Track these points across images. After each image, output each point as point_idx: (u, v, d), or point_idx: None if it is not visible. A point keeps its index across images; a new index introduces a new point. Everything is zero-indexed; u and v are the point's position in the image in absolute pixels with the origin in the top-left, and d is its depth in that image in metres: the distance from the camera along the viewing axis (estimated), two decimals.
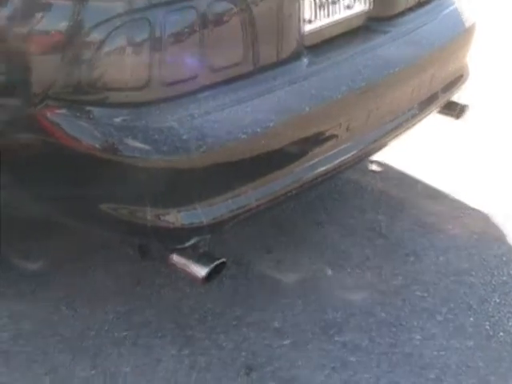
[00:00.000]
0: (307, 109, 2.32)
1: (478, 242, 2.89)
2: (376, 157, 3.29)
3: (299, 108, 2.31)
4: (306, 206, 3.09)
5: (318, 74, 2.43)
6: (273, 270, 2.73)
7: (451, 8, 2.97)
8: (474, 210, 3.07)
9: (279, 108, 2.27)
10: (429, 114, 2.89)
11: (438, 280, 2.68)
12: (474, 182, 3.23)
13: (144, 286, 2.65)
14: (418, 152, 3.44)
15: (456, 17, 2.95)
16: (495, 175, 3.31)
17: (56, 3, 2.09)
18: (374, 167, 3.36)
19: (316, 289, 2.64)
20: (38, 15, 2.14)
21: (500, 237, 2.91)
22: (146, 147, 2.09)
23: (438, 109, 2.99)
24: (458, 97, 3.08)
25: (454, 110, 3.08)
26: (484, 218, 3.01)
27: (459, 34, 2.93)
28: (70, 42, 2.08)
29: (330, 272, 2.72)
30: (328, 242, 2.87)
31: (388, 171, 3.34)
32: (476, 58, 3.18)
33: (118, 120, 2.09)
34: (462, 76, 3.05)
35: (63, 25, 2.09)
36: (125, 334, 2.47)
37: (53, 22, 2.12)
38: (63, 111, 2.13)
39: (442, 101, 2.94)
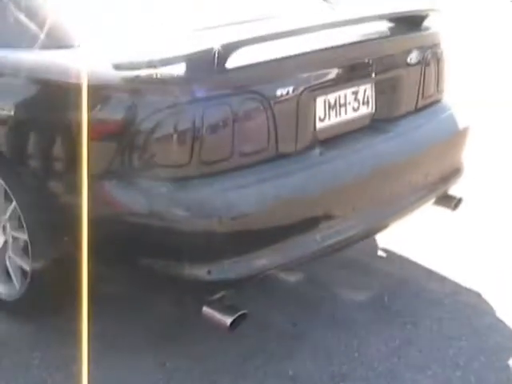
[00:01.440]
0: (318, 190, 2.93)
1: (471, 314, 3.40)
2: (382, 244, 3.89)
3: (311, 188, 2.91)
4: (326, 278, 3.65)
5: (329, 162, 3.04)
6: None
7: (447, 113, 3.60)
8: (468, 288, 3.59)
9: (295, 187, 2.88)
10: (425, 202, 3.48)
11: (430, 343, 3.20)
12: (468, 265, 3.78)
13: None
14: (420, 240, 4.02)
15: (451, 120, 3.57)
16: (487, 259, 3.86)
17: (116, 96, 2.73)
18: (381, 252, 3.94)
19: (327, 349, 3.16)
20: (100, 106, 2.78)
21: (491, 310, 3.42)
22: (185, 213, 2.71)
23: (435, 199, 3.56)
24: (454, 190, 3.65)
25: (450, 202, 3.64)
26: (477, 295, 3.54)
27: (453, 135, 3.55)
28: (127, 129, 2.72)
29: (342, 335, 3.24)
30: (339, 311, 3.42)
31: (392, 256, 3.91)
32: (472, 156, 3.79)
33: (163, 190, 2.71)
34: (457, 171, 3.63)
35: (121, 115, 2.73)
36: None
37: (113, 112, 2.76)
38: (119, 183, 2.75)
39: (437, 192, 3.52)
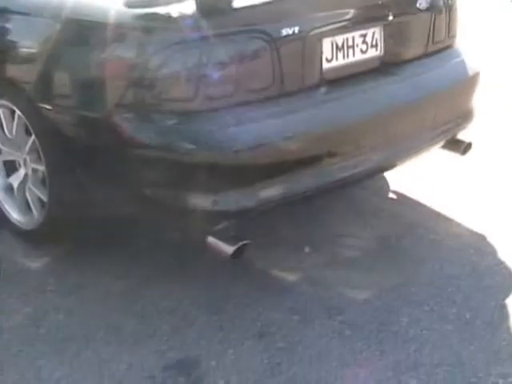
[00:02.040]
0: (322, 126, 3.07)
1: (473, 255, 3.54)
2: (394, 186, 4.04)
3: (315, 125, 3.06)
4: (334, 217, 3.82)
5: (333, 101, 3.18)
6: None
7: (458, 58, 3.70)
8: (472, 230, 3.73)
9: (299, 124, 3.03)
10: (433, 145, 3.61)
11: (430, 281, 3.35)
12: (475, 209, 3.91)
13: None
14: (429, 183, 4.16)
15: (461, 65, 3.67)
16: (493, 203, 3.99)
17: (128, 33, 2.89)
18: (392, 195, 4.08)
19: (326, 284, 3.34)
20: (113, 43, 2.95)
21: (493, 251, 3.55)
22: (191, 145, 2.88)
23: (444, 143, 3.68)
24: (464, 135, 3.77)
25: (459, 146, 3.76)
26: (481, 237, 3.67)
27: (463, 80, 3.65)
28: (138, 65, 2.88)
29: (342, 272, 3.42)
30: (344, 250, 3.60)
31: (402, 198, 4.06)
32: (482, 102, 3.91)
33: (170, 123, 2.88)
34: (467, 116, 3.74)
35: (133, 51, 2.89)
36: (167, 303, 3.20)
37: (125, 49, 2.93)
38: (130, 116, 2.92)
39: (446, 135, 3.64)
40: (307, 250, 3.56)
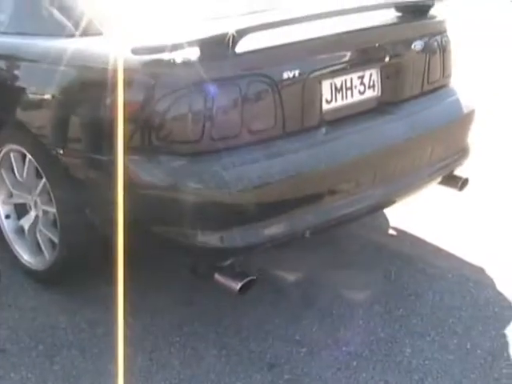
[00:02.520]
0: (322, 166, 3.21)
1: (472, 287, 3.67)
2: (394, 223, 4.19)
3: (316, 164, 3.20)
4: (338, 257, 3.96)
5: (333, 141, 3.32)
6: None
7: (453, 97, 3.86)
8: (471, 264, 3.87)
9: (300, 163, 3.17)
10: (430, 181, 3.75)
11: (431, 313, 3.47)
12: (473, 243, 4.06)
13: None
14: (429, 220, 4.33)
15: (456, 104, 3.84)
16: (490, 237, 4.14)
17: (135, 79, 3.04)
18: (391, 231, 4.22)
19: (332, 316, 3.47)
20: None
21: (491, 283, 3.69)
22: (198, 185, 3.01)
23: (441, 179, 3.83)
24: (461, 171, 3.92)
25: (456, 182, 3.91)
26: (480, 270, 3.81)
27: (459, 118, 3.81)
28: (145, 109, 3.03)
29: (348, 305, 3.55)
30: (347, 284, 3.73)
31: (402, 234, 4.21)
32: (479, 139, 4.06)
33: (177, 164, 3.02)
34: (463, 153, 3.89)
35: (140, 96, 3.04)
36: (177, 339, 3.32)
37: (133, 94, 3.07)
38: (137, 158, 3.06)
39: (443, 172, 3.78)
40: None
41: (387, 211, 4.32)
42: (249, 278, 3.10)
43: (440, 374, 3.09)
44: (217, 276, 3.14)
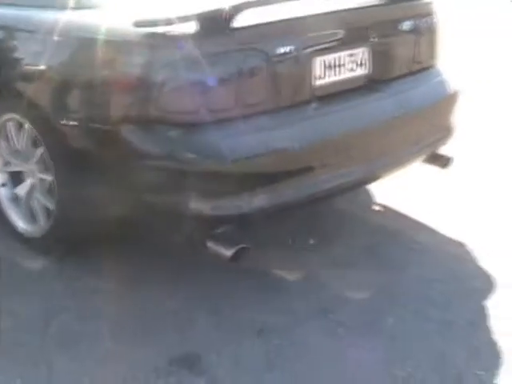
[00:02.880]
0: (311, 139, 3.34)
1: (453, 261, 3.83)
2: (379, 199, 4.33)
3: (307, 138, 3.33)
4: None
5: (323, 116, 3.45)
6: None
7: (439, 77, 4.01)
8: (453, 239, 4.02)
9: (291, 136, 3.30)
10: (415, 158, 3.90)
11: (412, 285, 3.63)
12: (456, 219, 4.22)
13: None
14: (412, 196, 4.48)
15: (441, 84, 3.99)
16: (473, 214, 4.31)
17: (135, 50, 3.15)
18: (377, 207, 4.37)
19: (318, 285, 3.61)
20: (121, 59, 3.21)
21: (472, 258, 3.84)
22: (193, 155, 3.14)
23: (425, 157, 3.97)
24: (444, 150, 4.06)
25: (440, 160, 4.06)
26: (461, 245, 3.97)
27: (444, 98, 3.96)
28: (144, 80, 3.14)
29: (332, 275, 3.69)
30: (334, 257, 3.87)
31: (387, 210, 4.37)
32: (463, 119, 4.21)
33: (173, 134, 3.13)
34: (447, 132, 4.03)
35: (139, 67, 3.15)
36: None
37: (132, 65, 3.18)
38: (135, 127, 3.17)
39: (427, 150, 3.93)
40: (312, 241, 3.90)
41: (372, 187, 4.46)
42: (240, 246, 3.22)
43: (422, 343, 3.21)
44: (209, 243, 3.26)
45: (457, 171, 4.44)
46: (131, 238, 3.83)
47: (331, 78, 3.54)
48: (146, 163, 3.21)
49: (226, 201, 3.19)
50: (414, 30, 3.85)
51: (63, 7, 3.53)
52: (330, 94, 3.56)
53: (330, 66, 3.52)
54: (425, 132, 3.87)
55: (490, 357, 3.13)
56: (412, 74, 3.92)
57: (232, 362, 3.09)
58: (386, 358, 3.11)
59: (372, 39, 3.66)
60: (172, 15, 3.07)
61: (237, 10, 3.10)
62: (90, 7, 3.47)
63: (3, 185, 4.00)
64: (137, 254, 3.77)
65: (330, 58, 3.51)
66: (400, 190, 4.50)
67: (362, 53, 3.64)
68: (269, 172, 3.26)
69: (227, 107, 3.18)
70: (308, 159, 3.37)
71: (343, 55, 3.57)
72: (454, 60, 4.42)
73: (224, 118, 3.18)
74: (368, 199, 4.48)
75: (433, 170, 4.16)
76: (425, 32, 3.91)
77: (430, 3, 3.98)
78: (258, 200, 3.23)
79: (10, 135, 3.85)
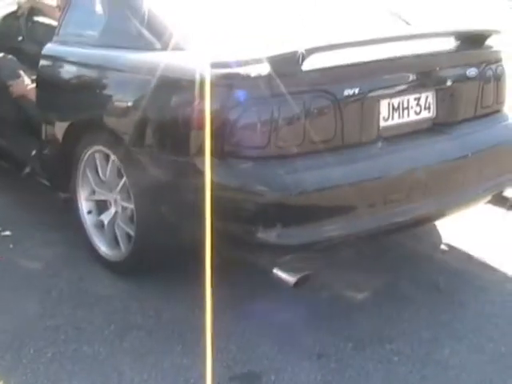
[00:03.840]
0: (376, 176, 3.58)
1: None
2: (446, 239, 4.53)
3: (372, 174, 3.57)
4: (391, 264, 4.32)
5: (388, 154, 3.68)
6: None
7: (505, 122, 4.20)
8: None
9: (355, 173, 3.54)
10: (479, 200, 4.08)
11: (472, 319, 3.80)
12: None
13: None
14: (478, 237, 4.66)
15: (508, 128, 4.17)
16: None
17: (213, 89, 3.43)
18: (443, 246, 4.56)
19: (381, 316, 3.81)
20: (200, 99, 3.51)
21: None
22: (261, 187, 3.40)
23: (490, 198, 4.14)
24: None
25: (505, 202, 4.23)
26: None
27: (508, 142, 4.12)
28: (220, 118, 3.42)
29: (395, 309, 3.89)
30: (399, 290, 4.08)
31: (453, 250, 4.56)
32: None
33: (245, 167, 3.41)
34: None
35: (215, 106, 3.43)
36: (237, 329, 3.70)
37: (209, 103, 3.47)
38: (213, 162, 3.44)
39: (492, 192, 4.10)
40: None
41: (440, 228, 4.66)
42: (304, 274, 3.47)
43: (474, 372, 3.39)
44: (275, 270, 3.51)
45: None
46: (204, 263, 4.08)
47: (397, 119, 3.76)
48: (218, 194, 3.46)
49: (291, 231, 3.43)
50: (481, 76, 4.05)
51: (150, 49, 3.85)
52: (396, 135, 3.78)
53: (396, 109, 3.75)
54: (490, 174, 4.05)
55: None
56: (477, 117, 4.10)
57: (290, 381, 3.32)
58: None
59: (438, 84, 3.88)
60: (247, 57, 3.35)
61: (309, 52, 3.36)
62: (174, 49, 3.77)
63: (89, 212, 4.33)
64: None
65: (396, 100, 3.74)
66: (466, 232, 4.69)
67: (427, 97, 3.85)
68: (333, 205, 3.50)
69: (295, 143, 3.44)
70: (372, 194, 3.59)
71: (409, 98, 3.79)
72: None
73: (292, 154, 3.44)
74: (436, 239, 4.67)
75: (497, 211, 4.31)
76: (491, 78, 4.11)
77: (497, 51, 4.18)
78: (322, 231, 3.47)
79: (97, 166, 4.17)
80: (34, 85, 4.79)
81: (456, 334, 3.68)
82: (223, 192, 3.45)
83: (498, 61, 4.18)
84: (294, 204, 3.41)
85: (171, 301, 3.94)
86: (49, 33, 4.75)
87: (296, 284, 3.46)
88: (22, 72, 5.14)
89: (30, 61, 5.14)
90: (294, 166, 3.43)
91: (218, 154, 3.43)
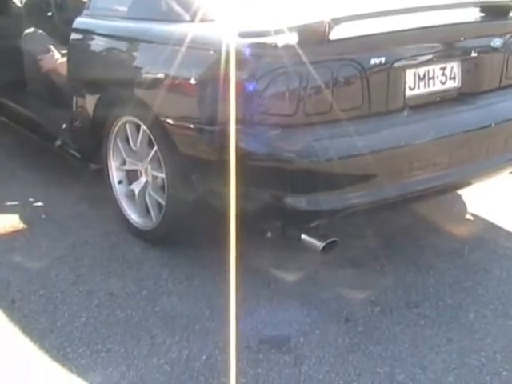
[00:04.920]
0: (403, 144, 3.65)
1: None
2: (471, 209, 4.62)
3: (396, 142, 3.64)
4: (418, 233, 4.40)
5: (414, 123, 3.75)
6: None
7: None
8: None
9: (382, 140, 3.61)
10: (503, 169, 4.13)
11: (497, 285, 3.88)
12: None
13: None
14: (502, 207, 4.75)
15: None
16: None
17: (240, 60, 3.50)
18: (468, 216, 4.63)
19: (406, 284, 3.91)
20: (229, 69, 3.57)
21: None
22: (290, 154, 3.48)
23: None
24: None
25: None
26: None
27: None
28: (248, 87, 3.50)
29: (421, 275, 3.99)
30: (422, 258, 4.17)
31: (478, 219, 4.66)
32: None
33: (274, 134, 3.49)
34: None
35: (244, 75, 3.51)
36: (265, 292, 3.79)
37: (238, 74, 3.54)
38: (240, 128, 3.52)
39: None
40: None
41: (464, 198, 4.74)
42: (331, 239, 3.55)
43: (499, 336, 3.47)
44: (303, 236, 3.60)
45: None
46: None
47: (423, 89, 3.83)
48: (248, 162, 3.55)
49: (319, 197, 3.51)
50: (506, 47, 4.10)
51: (179, 20, 3.94)
52: (422, 104, 3.84)
53: (422, 78, 3.81)
54: None
55: None
56: (502, 88, 4.16)
57: (318, 343, 3.41)
58: (462, 348, 3.38)
59: (463, 54, 3.94)
60: (275, 26, 3.42)
61: (335, 22, 3.43)
62: (202, 21, 3.84)
63: (120, 182, 4.43)
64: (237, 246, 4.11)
65: (422, 70, 3.81)
66: (491, 201, 4.80)
67: (452, 67, 3.91)
68: (360, 172, 3.57)
69: (323, 111, 3.51)
70: (398, 162, 3.67)
71: (435, 68, 3.86)
72: None
73: (320, 121, 3.51)
74: (460, 208, 4.75)
75: None
76: None
77: None
78: (350, 198, 3.56)
79: (128, 136, 4.27)
80: (64, 59, 4.90)
81: (481, 300, 3.76)
82: (253, 160, 3.55)
83: None
84: (321, 170, 3.50)
85: (201, 267, 4.03)
86: (79, 7, 4.84)
87: (323, 249, 3.54)
88: (51, 46, 5.24)
89: (60, 35, 5.23)
90: (321, 134, 3.49)
91: (248, 122, 3.52)
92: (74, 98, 4.65)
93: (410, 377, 3.20)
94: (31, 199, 4.97)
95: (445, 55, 3.91)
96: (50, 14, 5.78)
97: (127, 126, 4.25)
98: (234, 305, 3.51)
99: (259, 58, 3.50)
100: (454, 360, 3.30)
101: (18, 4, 6.31)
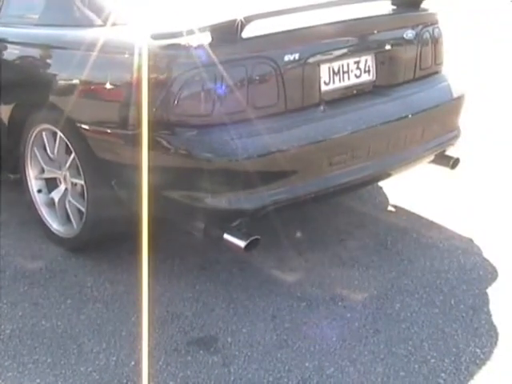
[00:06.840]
0: (321, 138, 3.67)
1: (461, 254, 4.12)
2: (392, 200, 4.66)
3: (314, 138, 3.66)
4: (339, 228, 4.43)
5: (330, 118, 3.78)
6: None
7: (443, 83, 4.32)
8: (461, 235, 4.32)
9: (299, 136, 3.63)
10: (422, 159, 4.20)
11: (421, 275, 3.92)
12: (464, 216, 4.55)
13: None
14: (424, 196, 4.85)
15: (447, 89, 4.29)
16: (480, 211, 4.65)
17: (154, 61, 3.49)
18: (390, 207, 4.69)
19: (331, 278, 3.94)
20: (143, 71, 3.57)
21: (478, 251, 4.15)
22: (208, 154, 3.48)
23: (432, 157, 4.27)
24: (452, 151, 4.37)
25: (448, 161, 4.36)
26: (468, 240, 4.27)
27: (448, 102, 4.25)
28: (163, 88, 3.49)
29: (345, 268, 4.01)
30: (345, 251, 4.20)
31: (400, 210, 4.72)
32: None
33: (191, 135, 3.48)
34: (453, 134, 4.33)
35: (158, 76, 3.50)
36: (190, 295, 3.78)
37: (152, 74, 3.53)
38: (159, 130, 3.52)
39: (434, 151, 4.23)
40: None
41: (385, 189, 4.80)
42: (254, 237, 3.55)
43: (425, 324, 3.52)
44: (225, 236, 3.59)
45: (464, 171, 4.75)
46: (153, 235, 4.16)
47: (338, 83, 3.87)
48: (166, 164, 3.55)
49: (239, 195, 3.52)
50: (418, 39, 4.16)
51: (91, 25, 3.92)
52: (338, 99, 3.88)
53: (336, 73, 3.85)
54: (431, 133, 4.17)
55: (488, 337, 3.42)
56: (417, 79, 4.22)
57: (245, 342, 3.42)
58: (390, 338, 3.42)
59: (377, 47, 3.99)
60: (188, 27, 3.41)
61: (247, 20, 3.43)
62: (114, 25, 3.82)
63: (39, 191, 4.38)
64: (159, 249, 4.09)
65: (336, 64, 3.84)
66: (412, 192, 4.88)
67: (366, 60, 3.96)
68: (279, 169, 3.58)
69: (239, 110, 3.52)
70: (316, 157, 3.69)
71: (349, 62, 3.90)
72: (459, 64, 4.72)
73: (237, 120, 3.51)
74: (382, 200, 4.81)
75: (441, 170, 4.44)
76: (429, 40, 4.23)
77: (434, 13, 4.29)
78: (270, 195, 3.56)
79: (45, 144, 4.22)
80: None
81: (406, 289, 3.81)
82: (172, 162, 3.54)
83: (434, 23, 4.29)
84: (240, 169, 3.49)
85: (125, 273, 4.01)
86: None
87: (246, 248, 3.54)
88: None
89: None
90: (239, 132, 3.50)
91: (164, 124, 3.52)
92: None
93: (340, 370, 3.23)
94: None
95: (358, 49, 3.95)
96: None
97: (44, 133, 4.21)
98: (146, 311, 3.52)
99: (172, 60, 3.50)
100: (382, 350, 3.34)
101: None
